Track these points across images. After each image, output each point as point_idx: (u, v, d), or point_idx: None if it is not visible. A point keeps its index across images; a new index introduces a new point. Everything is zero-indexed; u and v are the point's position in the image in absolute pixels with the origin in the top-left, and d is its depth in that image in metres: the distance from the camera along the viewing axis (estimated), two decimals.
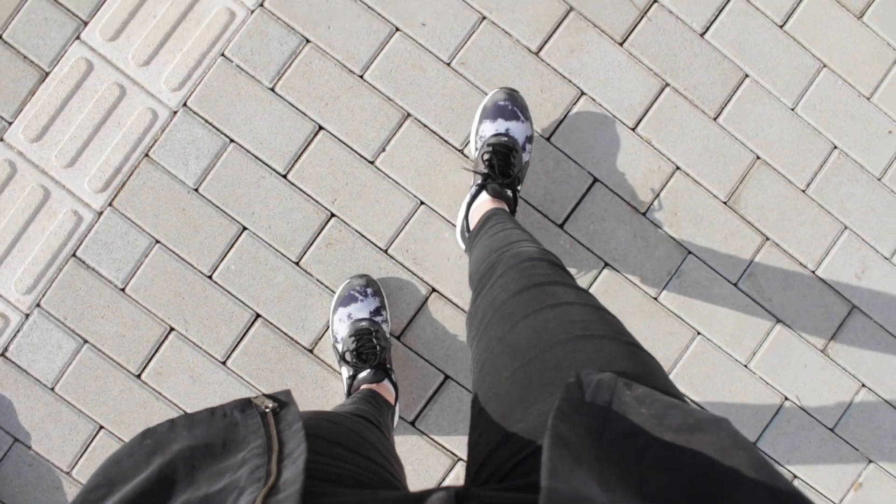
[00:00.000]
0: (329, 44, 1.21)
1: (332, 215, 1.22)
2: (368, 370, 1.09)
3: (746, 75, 1.26)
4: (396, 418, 1.20)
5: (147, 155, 1.21)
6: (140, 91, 1.21)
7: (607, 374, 0.44)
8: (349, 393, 1.11)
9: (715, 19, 1.26)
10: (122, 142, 1.21)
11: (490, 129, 1.15)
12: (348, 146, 1.22)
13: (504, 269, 0.73)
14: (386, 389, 1.10)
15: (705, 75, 1.25)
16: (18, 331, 1.20)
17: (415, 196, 1.22)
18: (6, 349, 1.20)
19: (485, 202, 1.10)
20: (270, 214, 1.21)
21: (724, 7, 1.26)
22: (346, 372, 1.14)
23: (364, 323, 1.13)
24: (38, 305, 1.20)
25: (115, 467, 0.38)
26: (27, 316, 1.20)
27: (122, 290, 1.21)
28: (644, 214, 1.24)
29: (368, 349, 1.10)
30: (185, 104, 1.21)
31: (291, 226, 1.21)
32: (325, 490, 0.42)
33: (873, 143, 1.28)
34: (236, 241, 1.21)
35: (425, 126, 1.22)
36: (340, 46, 1.21)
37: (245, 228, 1.21)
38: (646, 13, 1.24)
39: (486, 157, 1.11)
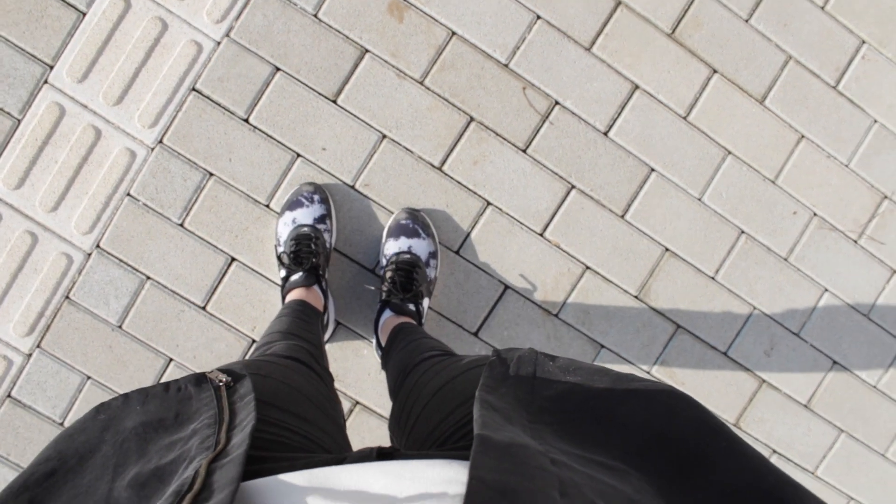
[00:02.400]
0: (232, 176, 1.22)
1: (254, 342, 1.26)
2: (301, 273, 1.12)
3: (652, 170, 1.27)
4: (331, 327, 1.24)
5: (68, 297, 1.24)
6: (52, 236, 1.23)
7: (527, 348, 0.46)
8: (283, 297, 1.15)
9: (618, 117, 1.25)
10: (41, 287, 1.23)
11: (393, 247, 1.19)
12: (261, 275, 1.24)
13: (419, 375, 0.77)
14: (315, 295, 1.13)
15: (611, 174, 1.26)
16: None
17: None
18: None
19: (390, 319, 1.14)
20: (194, 345, 1.25)
21: (626, 104, 1.25)
22: (281, 273, 1.17)
23: (306, 229, 1.16)
24: None
25: (66, 441, 0.38)
26: None
27: (61, 424, 1.26)
28: (556, 316, 1.28)
29: (305, 253, 1.13)
30: (98, 246, 1.22)
31: (215, 354, 1.25)
32: (265, 455, 0.42)
33: (779, 225, 1.30)
34: (164, 372, 1.26)
35: (335, 249, 1.24)
36: (244, 178, 1.22)
37: (171, 360, 1.25)
38: (547, 117, 1.24)
39: (388, 274, 1.16)
